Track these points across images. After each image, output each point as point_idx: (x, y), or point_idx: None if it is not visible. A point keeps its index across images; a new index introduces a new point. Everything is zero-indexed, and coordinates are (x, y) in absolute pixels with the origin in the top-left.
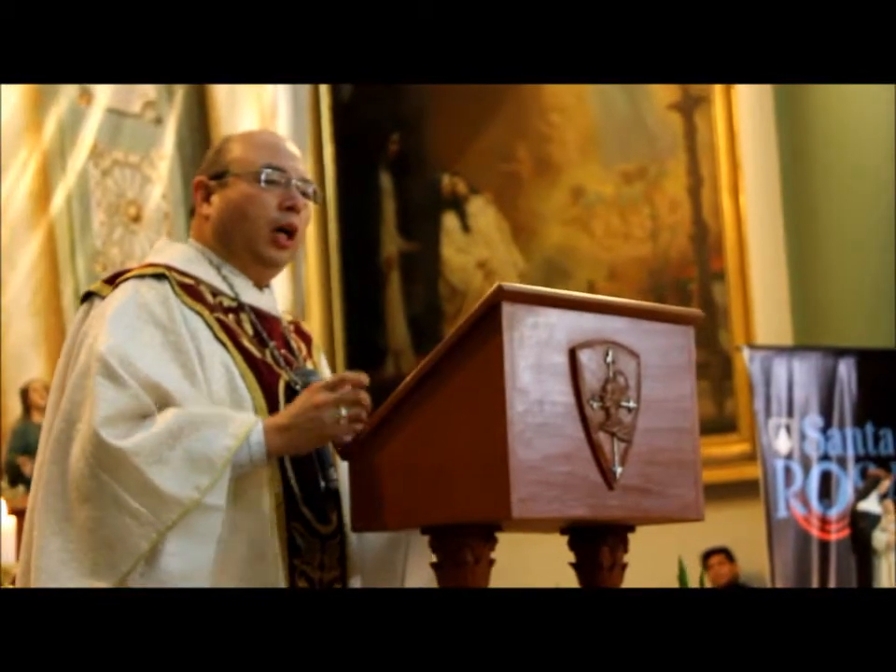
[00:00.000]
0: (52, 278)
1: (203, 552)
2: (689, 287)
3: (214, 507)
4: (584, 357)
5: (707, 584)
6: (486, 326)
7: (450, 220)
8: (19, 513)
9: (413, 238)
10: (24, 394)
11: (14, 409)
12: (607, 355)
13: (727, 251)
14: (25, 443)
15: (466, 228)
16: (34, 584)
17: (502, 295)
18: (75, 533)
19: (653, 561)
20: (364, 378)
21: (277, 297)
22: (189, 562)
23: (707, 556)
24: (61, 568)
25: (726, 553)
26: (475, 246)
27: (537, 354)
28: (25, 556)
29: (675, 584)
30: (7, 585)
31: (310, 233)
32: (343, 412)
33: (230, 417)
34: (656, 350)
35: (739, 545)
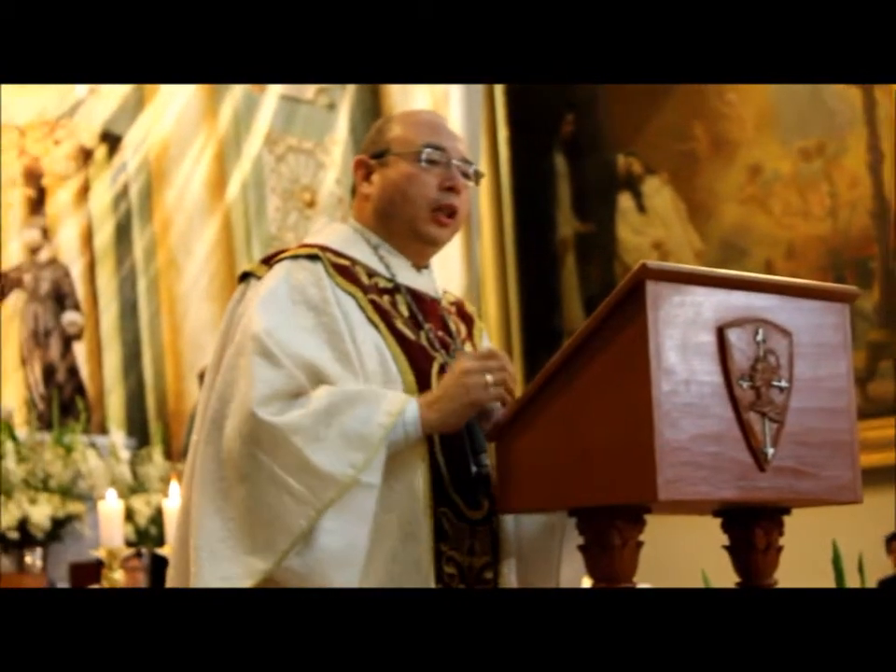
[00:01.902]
0: (228, 264)
1: (359, 529)
2: (870, 265)
3: (369, 485)
4: (733, 335)
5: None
6: (630, 305)
7: (625, 201)
8: None
9: (588, 219)
10: (202, 378)
11: (193, 393)
12: (757, 333)
13: None
14: None
15: (641, 208)
16: (193, 563)
17: (646, 273)
18: (233, 512)
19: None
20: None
21: (452, 280)
22: (346, 539)
23: (890, 540)
24: (220, 546)
25: None
26: (651, 227)
27: (683, 333)
28: (181, 534)
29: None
30: None
31: (485, 216)
32: (489, 378)
33: (384, 395)
34: (809, 328)
35: None
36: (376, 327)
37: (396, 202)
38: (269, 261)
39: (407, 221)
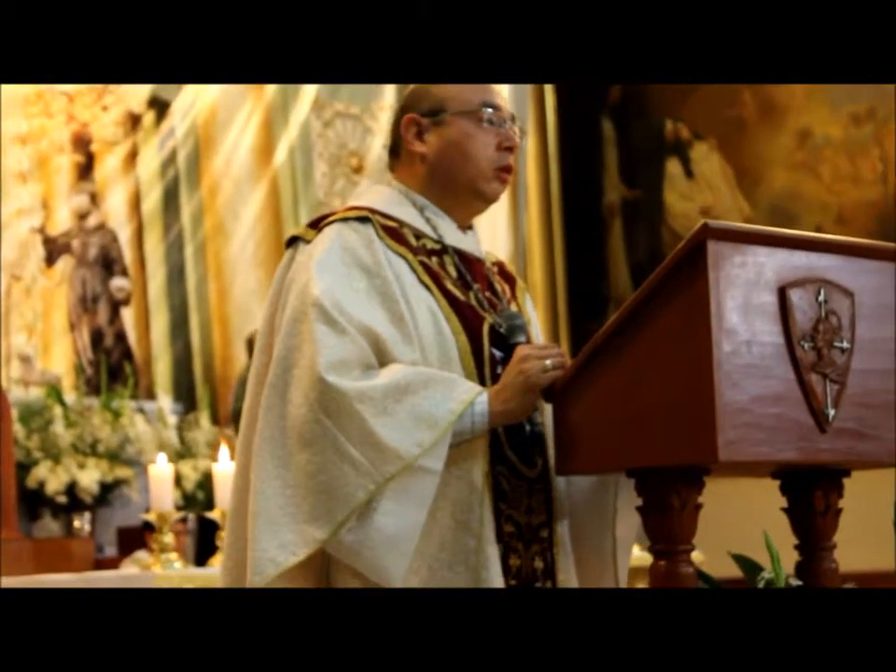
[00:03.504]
0: (276, 230)
1: (415, 514)
2: None
3: (431, 470)
4: (795, 296)
5: None
6: (691, 265)
7: (673, 166)
8: None
9: (635, 185)
10: (250, 344)
11: (240, 358)
12: (819, 293)
13: None
14: None
15: (689, 174)
16: (250, 530)
17: (708, 233)
18: (293, 478)
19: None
20: None
21: (498, 246)
22: (401, 523)
23: None
24: (278, 513)
25: None
26: (699, 193)
27: (744, 293)
28: (236, 501)
29: (891, 530)
30: None
31: (531, 182)
32: (548, 362)
33: (457, 382)
34: (871, 289)
35: None
36: (428, 288)
37: (457, 161)
38: (317, 225)
39: (469, 180)
